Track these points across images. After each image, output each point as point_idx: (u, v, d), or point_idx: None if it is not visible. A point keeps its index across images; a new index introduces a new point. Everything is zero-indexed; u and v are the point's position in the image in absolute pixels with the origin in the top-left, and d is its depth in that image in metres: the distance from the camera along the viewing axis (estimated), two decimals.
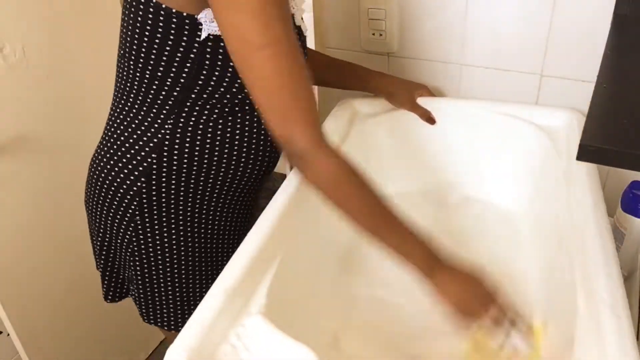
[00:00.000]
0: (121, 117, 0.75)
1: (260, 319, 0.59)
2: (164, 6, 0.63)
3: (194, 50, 0.65)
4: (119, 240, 0.81)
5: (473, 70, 1.03)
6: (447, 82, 1.07)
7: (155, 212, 0.76)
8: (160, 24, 0.64)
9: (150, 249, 0.79)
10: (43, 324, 1.20)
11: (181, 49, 0.65)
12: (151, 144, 0.72)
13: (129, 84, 0.72)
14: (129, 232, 0.78)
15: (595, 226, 0.66)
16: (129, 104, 0.73)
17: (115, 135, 0.76)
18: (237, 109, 0.73)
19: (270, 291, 0.63)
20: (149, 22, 0.65)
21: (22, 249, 1.11)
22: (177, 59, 0.66)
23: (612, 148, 0.53)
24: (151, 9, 0.64)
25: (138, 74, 0.70)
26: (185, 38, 0.65)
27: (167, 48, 0.66)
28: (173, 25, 0.64)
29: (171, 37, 0.65)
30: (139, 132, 0.73)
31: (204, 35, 0.64)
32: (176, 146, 0.72)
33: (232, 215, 0.84)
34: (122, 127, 0.75)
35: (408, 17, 1.04)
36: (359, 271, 0.86)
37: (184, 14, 0.63)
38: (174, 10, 0.63)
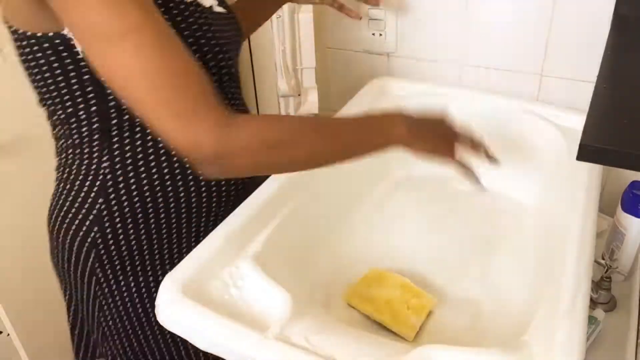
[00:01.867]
0: (58, 166, 0.69)
1: (251, 262, 0.64)
2: (28, 33, 0.56)
3: (84, 69, 0.57)
4: (84, 297, 0.72)
5: (473, 70, 1.03)
6: (447, 82, 1.07)
7: (117, 262, 0.68)
8: (39, 54, 0.57)
9: (119, 303, 0.71)
10: (43, 324, 1.20)
11: (72, 73, 0.58)
12: (95, 188, 0.65)
13: (53, 129, 0.66)
14: (93, 288, 0.70)
15: (580, 227, 0.67)
16: (61, 149, 0.67)
17: (60, 185, 0.69)
18: None
19: (269, 241, 0.68)
20: (30, 56, 0.58)
21: (21, 249, 1.11)
22: (74, 82, 0.59)
23: (612, 148, 0.53)
24: (23, 42, 0.57)
25: (54, 116, 0.63)
26: (69, 60, 0.57)
27: (60, 76, 0.58)
28: (49, 51, 0.56)
29: (55, 63, 0.57)
30: (81, 176, 0.66)
31: (80, 48, 0.56)
32: (120, 183, 0.64)
33: None
34: (64, 176, 0.68)
35: (408, 17, 1.04)
36: (358, 232, 0.88)
37: (50, 34, 0.55)
38: (39, 34, 0.56)
